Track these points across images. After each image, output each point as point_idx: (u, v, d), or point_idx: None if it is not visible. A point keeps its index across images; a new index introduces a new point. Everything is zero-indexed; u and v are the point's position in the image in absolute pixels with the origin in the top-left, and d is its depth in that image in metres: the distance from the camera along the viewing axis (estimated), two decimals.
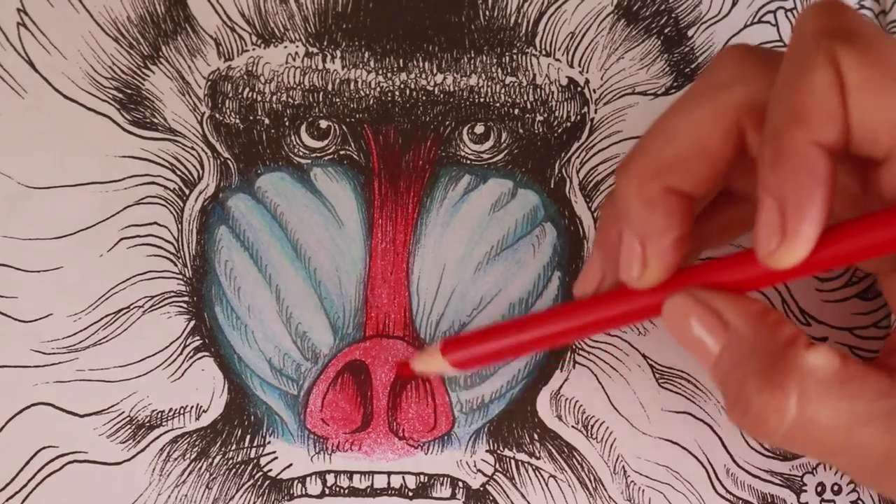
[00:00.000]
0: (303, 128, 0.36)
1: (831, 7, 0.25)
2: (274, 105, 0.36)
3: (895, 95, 0.24)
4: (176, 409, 0.35)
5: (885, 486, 0.27)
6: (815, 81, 0.24)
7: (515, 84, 0.37)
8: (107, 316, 0.35)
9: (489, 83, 0.37)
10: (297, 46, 0.37)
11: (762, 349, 0.26)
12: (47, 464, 0.35)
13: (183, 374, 0.35)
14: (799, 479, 0.36)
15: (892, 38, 0.26)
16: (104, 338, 0.35)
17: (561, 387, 0.36)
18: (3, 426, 0.34)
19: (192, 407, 0.35)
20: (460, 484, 0.35)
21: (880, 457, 0.26)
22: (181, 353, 0.35)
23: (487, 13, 0.37)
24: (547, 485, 0.36)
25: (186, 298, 0.36)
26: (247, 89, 0.36)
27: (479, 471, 0.36)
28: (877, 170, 0.25)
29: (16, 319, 0.35)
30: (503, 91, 0.37)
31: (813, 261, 0.25)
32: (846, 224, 0.25)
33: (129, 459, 0.35)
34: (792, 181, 0.24)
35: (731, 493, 0.36)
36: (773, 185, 0.24)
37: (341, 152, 0.36)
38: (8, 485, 0.34)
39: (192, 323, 0.35)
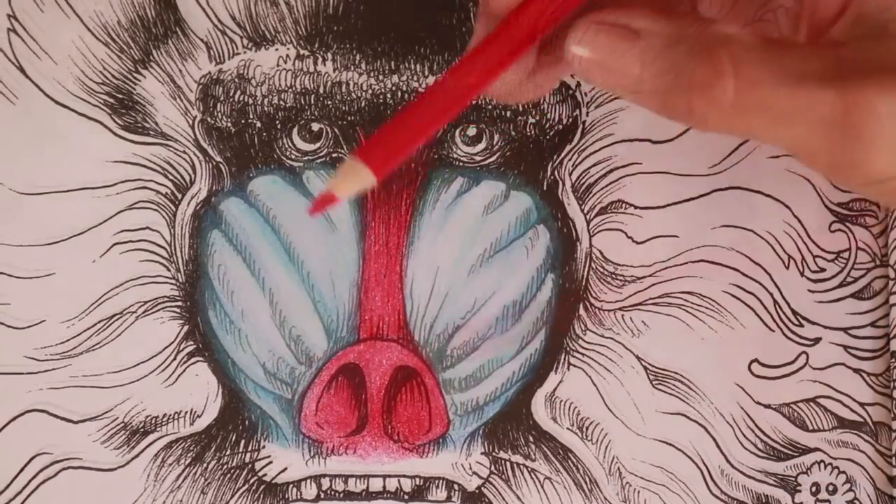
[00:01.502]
0: (295, 130, 0.36)
1: None
2: (266, 108, 0.36)
3: None
4: (170, 415, 0.35)
5: (841, 149, 0.25)
6: None
7: None
8: (100, 321, 0.35)
9: None
10: (288, 49, 0.36)
11: (685, 35, 0.25)
12: (42, 470, 0.35)
13: (177, 379, 0.35)
14: (793, 479, 0.36)
15: None
16: (98, 343, 0.35)
17: (556, 389, 0.36)
18: None
19: (186, 412, 0.35)
20: (456, 486, 0.35)
21: (834, 115, 0.24)
22: (175, 358, 0.35)
23: None
24: (543, 487, 0.36)
25: (180, 303, 0.36)
26: (238, 92, 0.36)
27: (474, 473, 0.36)
28: None
29: (9, 326, 0.35)
30: None
31: None
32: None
33: (123, 465, 0.35)
34: None
35: (725, 493, 0.36)
36: None
37: (334, 155, 0.36)
38: (3, 491, 0.34)
39: (186, 328, 0.35)
